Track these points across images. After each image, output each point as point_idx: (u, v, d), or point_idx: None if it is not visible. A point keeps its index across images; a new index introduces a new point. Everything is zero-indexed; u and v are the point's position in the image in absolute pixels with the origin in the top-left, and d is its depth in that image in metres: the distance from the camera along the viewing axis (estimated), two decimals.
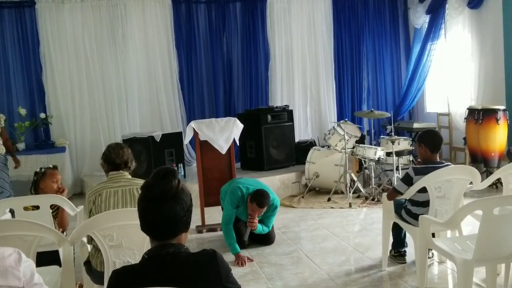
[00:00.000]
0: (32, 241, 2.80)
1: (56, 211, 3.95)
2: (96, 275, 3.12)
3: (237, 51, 8.75)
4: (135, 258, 2.89)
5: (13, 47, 7.72)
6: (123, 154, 3.28)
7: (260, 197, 4.58)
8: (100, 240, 2.88)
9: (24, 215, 3.61)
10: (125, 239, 2.90)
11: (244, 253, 4.77)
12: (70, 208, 3.83)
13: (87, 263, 3.23)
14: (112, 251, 2.90)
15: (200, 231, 5.52)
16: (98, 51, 8.03)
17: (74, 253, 3.26)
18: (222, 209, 4.96)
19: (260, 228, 4.80)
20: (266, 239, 5.00)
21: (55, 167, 4.13)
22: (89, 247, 3.29)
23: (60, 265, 3.30)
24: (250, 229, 4.77)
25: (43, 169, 4.02)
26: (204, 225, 5.59)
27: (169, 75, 8.44)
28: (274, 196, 4.82)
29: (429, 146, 3.79)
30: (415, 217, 3.66)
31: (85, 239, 3.28)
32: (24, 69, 7.77)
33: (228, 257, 4.49)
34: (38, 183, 3.97)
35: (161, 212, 1.76)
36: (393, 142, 6.41)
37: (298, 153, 7.77)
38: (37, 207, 3.69)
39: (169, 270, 1.74)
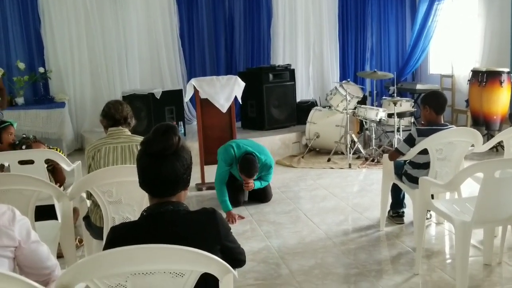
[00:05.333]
0: (31, 195, 2.80)
1: (51, 165, 3.96)
2: (95, 230, 3.14)
3: (239, 7, 8.55)
4: (134, 214, 2.90)
5: None
6: (123, 110, 3.26)
7: (247, 169, 4.57)
8: (99, 196, 2.88)
9: (19, 169, 3.61)
10: (125, 196, 2.90)
11: (243, 210, 4.82)
12: (65, 164, 3.83)
13: (86, 218, 3.24)
14: (111, 207, 2.90)
15: (199, 189, 5.55)
16: (97, 4, 7.81)
17: None
18: None
19: (258, 184, 4.84)
20: (263, 196, 5.03)
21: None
22: (88, 202, 3.30)
23: (56, 219, 3.31)
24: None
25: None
26: (204, 183, 5.61)
27: (170, 30, 8.26)
28: (267, 157, 4.82)
29: (434, 108, 3.74)
30: (416, 181, 3.65)
31: (84, 195, 3.29)
32: (22, 22, 7.56)
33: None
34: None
35: (161, 169, 1.74)
36: (395, 104, 6.36)
37: (299, 113, 7.71)
38: (31, 162, 3.69)
39: (168, 227, 1.74)
